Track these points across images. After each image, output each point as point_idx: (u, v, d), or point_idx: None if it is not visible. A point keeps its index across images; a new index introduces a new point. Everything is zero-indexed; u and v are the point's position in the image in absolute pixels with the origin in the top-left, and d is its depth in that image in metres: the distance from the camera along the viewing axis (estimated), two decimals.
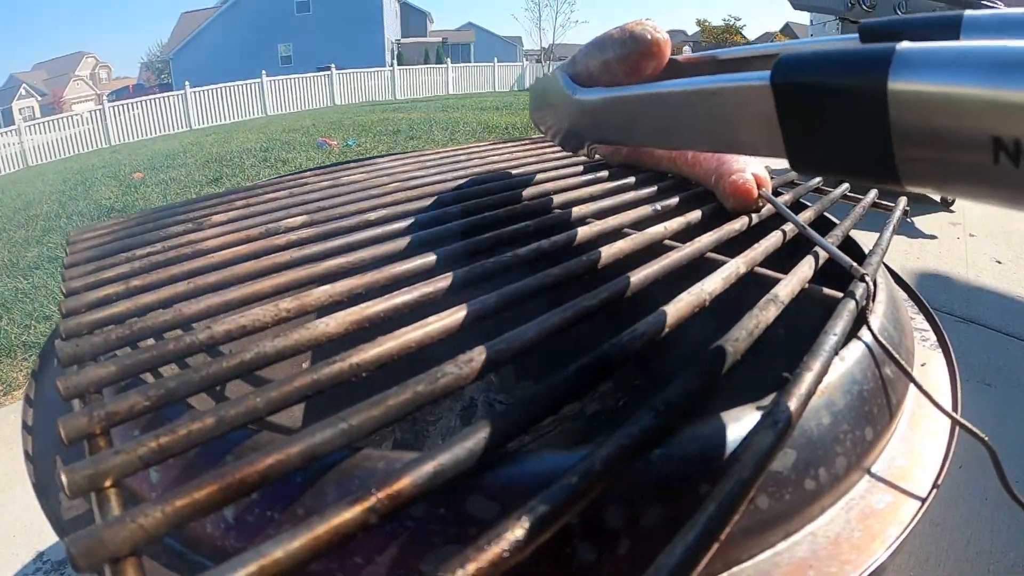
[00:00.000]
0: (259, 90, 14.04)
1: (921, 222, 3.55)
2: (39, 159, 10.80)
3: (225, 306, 0.50)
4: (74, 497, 0.30)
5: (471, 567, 0.21)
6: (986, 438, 0.49)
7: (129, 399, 0.35)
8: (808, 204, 0.88)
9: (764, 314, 0.42)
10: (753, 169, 0.71)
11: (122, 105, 12.50)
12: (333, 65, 15.72)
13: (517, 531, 0.23)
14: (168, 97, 13.19)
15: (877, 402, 0.48)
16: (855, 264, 0.52)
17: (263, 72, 14.24)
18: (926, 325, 0.70)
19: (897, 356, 0.47)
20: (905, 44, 0.24)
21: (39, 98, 34.61)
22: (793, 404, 0.34)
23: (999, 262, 2.98)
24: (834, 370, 0.45)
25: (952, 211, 3.77)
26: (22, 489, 1.71)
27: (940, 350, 0.64)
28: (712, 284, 0.46)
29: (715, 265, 0.55)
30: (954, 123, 0.22)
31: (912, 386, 0.53)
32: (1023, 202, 0.22)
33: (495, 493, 0.31)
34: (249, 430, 0.36)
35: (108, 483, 0.30)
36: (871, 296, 0.52)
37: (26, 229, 4.56)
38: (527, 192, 0.75)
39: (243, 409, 0.32)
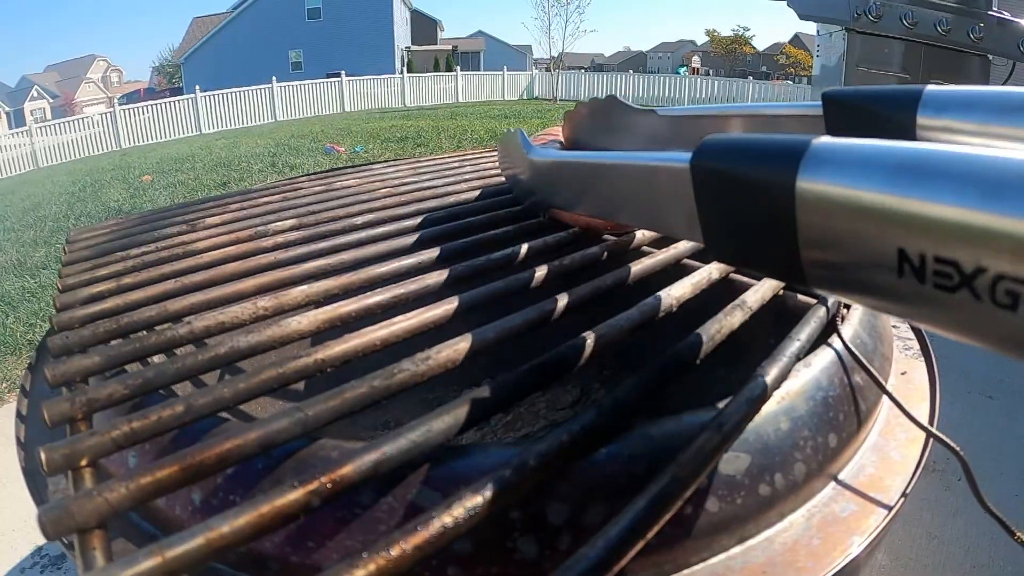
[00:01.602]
0: (269, 96, 14.13)
1: None
2: (50, 160, 10.90)
3: (208, 304, 0.52)
4: (52, 474, 0.32)
5: (396, 549, 0.22)
6: (959, 450, 0.49)
7: (109, 387, 0.37)
8: None
9: (728, 320, 0.43)
10: None
11: (133, 108, 12.60)
12: (343, 72, 15.82)
13: (446, 518, 0.24)
14: (179, 101, 13.29)
15: (844, 409, 0.48)
16: None
17: (273, 78, 14.33)
18: (910, 334, 0.70)
19: (868, 364, 0.48)
20: (822, 139, 0.23)
21: (51, 100, 34.94)
22: (742, 408, 0.35)
23: None
24: (798, 377, 0.46)
25: None
26: (21, 484, 1.73)
27: (923, 359, 0.64)
28: (680, 290, 0.48)
29: (690, 271, 0.56)
30: (859, 230, 0.21)
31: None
32: (927, 320, 0.21)
33: (438, 484, 0.33)
34: (218, 418, 0.37)
35: (84, 462, 0.32)
36: (843, 303, 0.53)
37: (35, 230, 4.60)
38: (507, 199, 0.77)
39: (211, 399, 0.34)
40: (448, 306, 0.44)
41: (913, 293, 0.20)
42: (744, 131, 0.51)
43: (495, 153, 1.18)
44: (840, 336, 0.50)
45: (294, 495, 0.25)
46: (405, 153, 7.02)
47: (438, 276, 0.51)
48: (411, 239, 0.63)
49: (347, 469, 0.26)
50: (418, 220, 0.69)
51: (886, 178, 0.20)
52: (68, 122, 12.16)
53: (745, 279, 0.56)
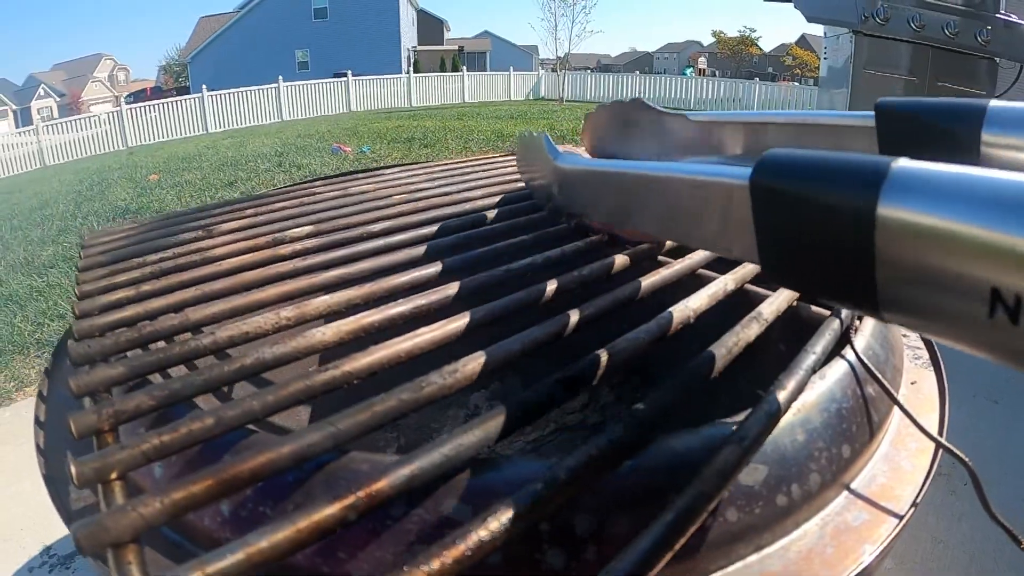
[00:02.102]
0: (276, 95, 14.17)
1: None
2: (56, 159, 10.94)
3: (230, 312, 0.52)
4: (82, 487, 0.32)
5: (436, 563, 0.23)
6: (968, 461, 0.50)
7: (136, 399, 0.37)
8: None
9: (746, 332, 0.44)
10: None
11: (139, 107, 12.65)
12: (349, 71, 15.85)
13: (482, 532, 0.25)
14: (185, 100, 13.34)
15: (857, 420, 0.49)
16: None
17: (280, 77, 14.38)
18: (920, 343, 0.71)
19: (880, 376, 0.48)
20: (903, 162, 0.21)
21: (57, 98, 35.07)
22: (762, 421, 0.35)
23: None
24: (813, 388, 0.46)
25: None
26: (31, 483, 1.74)
27: (932, 368, 0.65)
28: (698, 301, 0.48)
29: (705, 282, 0.57)
30: (947, 264, 0.19)
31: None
32: (1017, 362, 0.19)
33: (469, 496, 0.33)
34: (247, 430, 0.38)
35: (114, 475, 0.32)
36: (857, 315, 0.54)
37: (42, 228, 4.63)
38: (525, 205, 0.77)
39: (240, 411, 0.35)
40: (470, 317, 0.45)
41: (1004, 334, 0.18)
42: (783, 141, 0.50)
43: (508, 158, 1.18)
44: (853, 348, 0.50)
45: (331, 510, 0.25)
46: (412, 153, 7.03)
47: (459, 286, 0.51)
48: (430, 247, 0.63)
49: (382, 483, 0.27)
50: (436, 228, 0.69)
51: (980, 210, 0.18)
52: (75, 121, 12.22)
53: (760, 290, 0.57)
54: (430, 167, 1.09)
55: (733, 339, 0.43)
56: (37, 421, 0.65)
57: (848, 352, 0.49)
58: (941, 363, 0.65)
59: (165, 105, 12.95)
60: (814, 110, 0.53)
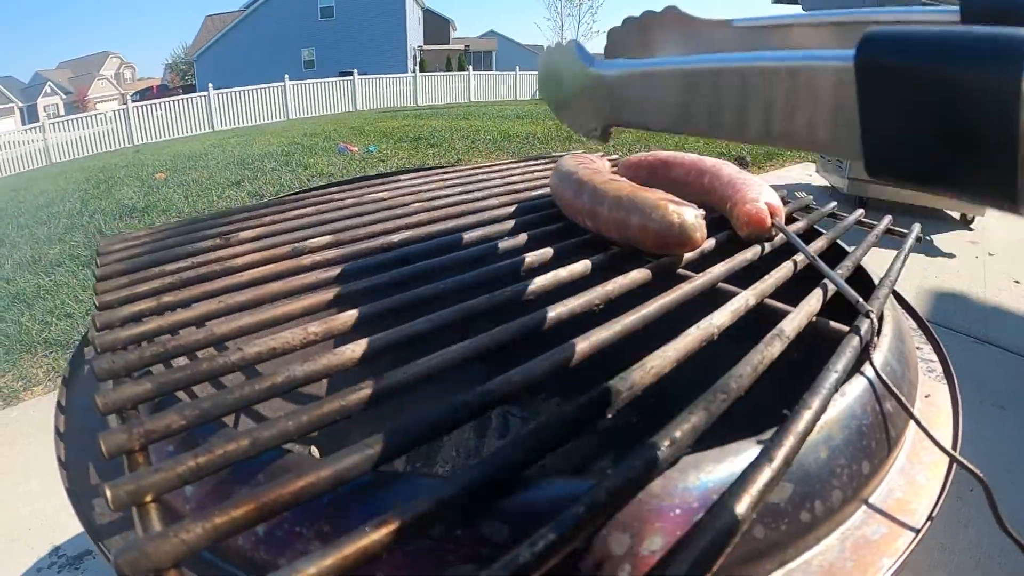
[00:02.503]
0: (282, 94, 14.20)
1: (940, 240, 3.53)
2: (62, 156, 10.98)
3: (256, 326, 0.52)
4: (117, 510, 0.33)
5: None
6: (982, 476, 0.50)
7: (166, 418, 0.37)
8: (822, 231, 0.90)
9: (769, 350, 0.44)
10: (767, 198, 0.72)
11: (146, 105, 12.68)
12: (355, 71, 15.87)
13: (526, 554, 0.25)
14: (191, 99, 13.38)
15: (876, 437, 0.49)
16: (861, 300, 0.54)
17: (286, 76, 14.41)
18: (933, 356, 0.71)
19: (898, 392, 0.49)
20: None
21: (63, 96, 35.19)
22: (790, 442, 0.36)
23: (1017, 282, 2.97)
24: (834, 406, 0.47)
25: (972, 229, 3.76)
26: (39, 483, 1.76)
27: (945, 381, 0.65)
28: (721, 318, 0.48)
29: (726, 296, 0.57)
30: None
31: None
32: None
33: (507, 517, 0.33)
34: (280, 450, 0.38)
35: (149, 498, 0.32)
36: (875, 331, 0.54)
37: (48, 226, 4.64)
38: (540, 216, 0.78)
39: (276, 432, 0.35)
40: (497, 335, 0.45)
41: None
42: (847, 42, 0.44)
43: (519, 164, 1.18)
44: (873, 365, 0.51)
45: (376, 535, 0.26)
46: (418, 153, 7.04)
47: (482, 302, 0.51)
48: (450, 259, 0.63)
49: (423, 505, 0.27)
50: (455, 238, 0.70)
51: None
52: (81, 118, 12.24)
53: (779, 305, 0.57)
54: (444, 173, 1.09)
55: (758, 356, 0.43)
56: (57, 432, 0.66)
57: (867, 369, 0.50)
58: (954, 376, 0.65)
59: (171, 103, 12.98)
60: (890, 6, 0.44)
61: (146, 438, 0.37)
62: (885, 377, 0.49)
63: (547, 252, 0.64)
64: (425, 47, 28.74)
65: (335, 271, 0.62)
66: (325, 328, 0.50)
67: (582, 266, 0.60)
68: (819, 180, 4.82)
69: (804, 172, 5.45)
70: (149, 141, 12.03)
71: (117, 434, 0.37)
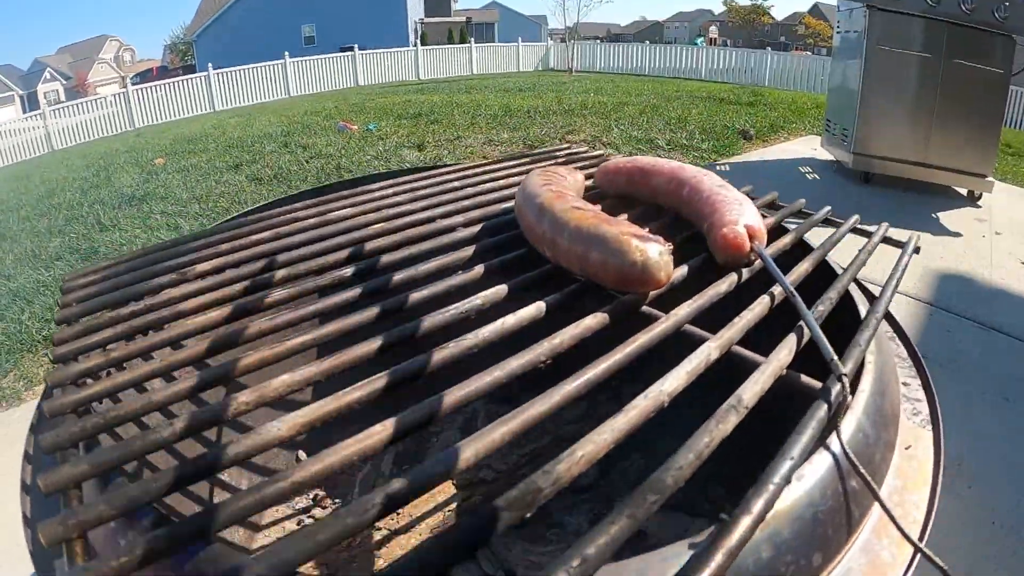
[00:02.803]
0: (282, 71, 14.05)
1: (946, 218, 3.46)
2: (64, 143, 10.94)
3: (191, 391, 0.51)
4: None
5: None
6: (946, 568, 0.46)
7: (97, 508, 0.38)
8: (811, 246, 0.84)
9: (720, 428, 0.41)
10: (747, 219, 0.67)
11: (146, 88, 12.57)
12: (356, 46, 15.66)
13: None
14: (191, 79, 13.25)
15: (834, 523, 0.45)
16: (835, 358, 0.49)
17: (286, 53, 14.23)
18: (921, 394, 0.66)
19: (864, 472, 0.44)
20: None
21: (63, 82, 35.11)
22: (718, 559, 0.32)
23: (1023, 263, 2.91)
24: (789, 493, 0.43)
25: (979, 206, 3.68)
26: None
27: (930, 427, 0.61)
28: (674, 383, 0.45)
29: (691, 342, 0.53)
30: None
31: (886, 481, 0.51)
32: None
33: None
34: (204, 543, 0.37)
35: None
36: (848, 392, 0.48)
37: (49, 218, 4.63)
38: (503, 238, 0.75)
39: (192, 529, 0.35)
40: (421, 411, 0.42)
41: None
42: None
43: (498, 168, 1.14)
44: (839, 437, 0.46)
45: None
46: (418, 130, 6.96)
47: (416, 363, 0.49)
48: (400, 300, 0.60)
49: None
50: (407, 276, 0.66)
51: None
52: (81, 103, 12.17)
53: (746, 354, 0.53)
54: (415, 181, 1.05)
55: (704, 440, 0.39)
56: (24, 486, 0.64)
57: (833, 442, 0.46)
58: (940, 420, 0.61)
59: (171, 85, 12.87)
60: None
61: (80, 528, 0.38)
62: (852, 454, 0.45)
63: (501, 291, 0.61)
64: (426, 20, 28.33)
65: (281, 317, 0.59)
66: (257, 396, 0.49)
67: (534, 310, 0.56)
68: (824, 154, 4.72)
69: (809, 146, 5.34)
70: (150, 123, 11.96)
71: (54, 525, 0.37)
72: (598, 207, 0.89)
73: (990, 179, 3.65)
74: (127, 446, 0.44)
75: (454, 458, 0.37)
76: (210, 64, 13.55)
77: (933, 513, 0.50)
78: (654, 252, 0.56)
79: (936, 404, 0.63)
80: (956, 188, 3.87)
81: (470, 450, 0.38)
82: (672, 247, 0.59)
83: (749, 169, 4.81)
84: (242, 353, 0.54)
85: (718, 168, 4.76)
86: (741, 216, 0.68)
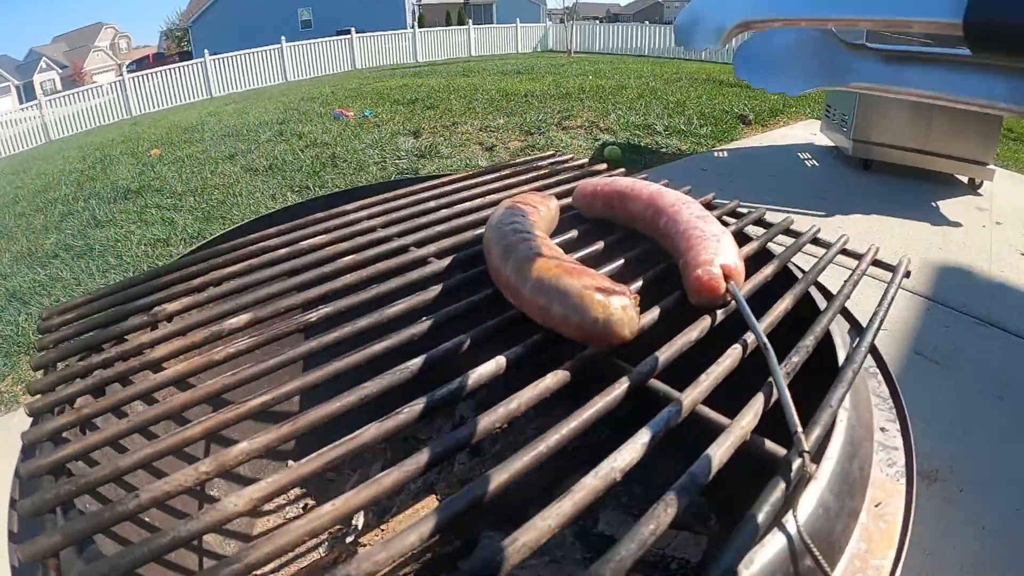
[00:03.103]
0: (279, 56, 13.94)
1: (945, 207, 3.43)
2: (61, 132, 10.88)
3: (155, 455, 0.52)
4: None
5: None
6: None
7: None
8: (796, 274, 0.82)
9: (669, 512, 0.40)
10: (723, 259, 0.65)
11: (142, 75, 12.48)
12: (353, 29, 15.52)
13: None
14: (188, 66, 13.15)
15: None
16: (799, 430, 0.48)
17: (283, 38, 14.10)
18: (898, 440, 0.64)
19: (819, 557, 0.42)
20: None
21: (59, 71, 34.90)
22: None
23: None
24: None
25: (980, 195, 3.64)
26: None
27: (904, 480, 0.59)
28: (627, 457, 0.44)
29: (656, 402, 0.52)
30: None
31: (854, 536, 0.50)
32: None
33: None
34: None
35: None
36: (808, 470, 0.47)
37: (45, 214, 4.62)
38: (473, 274, 0.74)
39: None
40: (390, 478, 0.42)
41: None
42: None
43: (480, 183, 1.12)
44: (795, 517, 0.45)
45: None
46: (415, 116, 6.91)
47: (389, 423, 0.48)
48: (363, 356, 0.60)
49: None
50: (375, 319, 0.66)
51: None
52: (77, 92, 12.10)
53: (711, 416, 0.52)
54: (393, 202, 1.04)
55: (650, 527, 0.38)
56: (11, 535, 0.65)
57: (790, 521, 0.45)
58: (915, 473, 0.59)
59: (168, 72, 12.78)
60: None
61: None
62: (807, 537, 0.43)
63: (463, 342, 0.60)
64: (424, 1, 28.03)
65: (243, 372, 0.59)
66: (217, 465, 0.49)
67: (493, 366, 0.56)
68: (823, 140, 4.68)
69: (808, 131, 5.29)
70: (146, 111, 11.90)
71: None
72: (573, 233, 0.88)
73: (991, 167, 3.60)
74: (97, 517, 0.46)
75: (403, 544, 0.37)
76: (206, 50, 13.46)
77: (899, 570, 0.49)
78: (616, 307, 0.55)
79: (912, 456, 0.61)
80: (957, 176, 3.83)
81: (414, 535, 0.38)
82: (638, 299, 0.58)
83: (747, 155, 4.76)
84: (201, 415, 0.54)
85: (716, 155, 4.72)
86: (717, 256, 0.66)
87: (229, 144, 6.33)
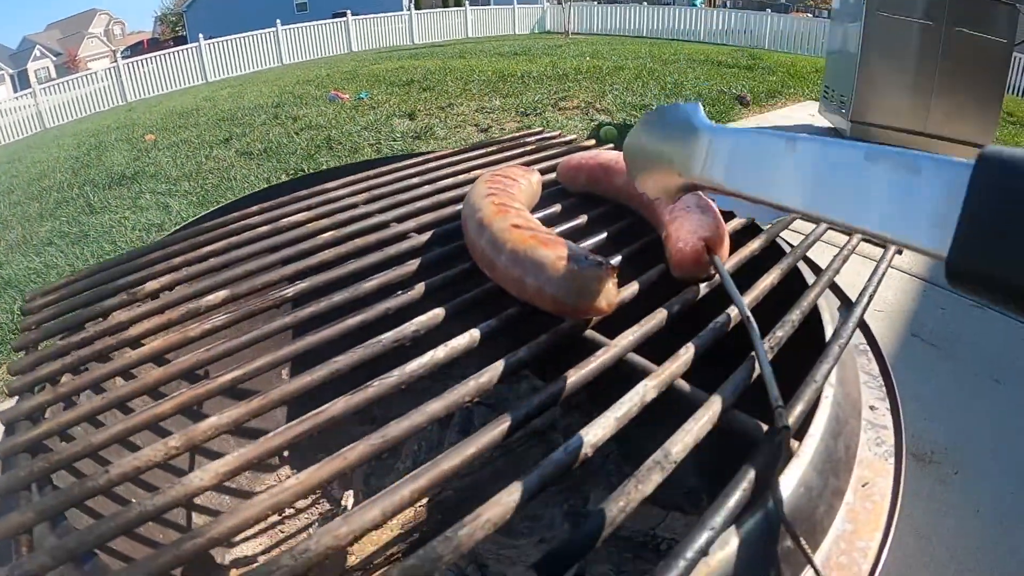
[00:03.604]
0: (274, 40, 13.82)
1: None
2: (56, 120, 10.81)
3: (125, 433, 0.52)
4: None
5: None
6: None
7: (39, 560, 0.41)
8: (784, 248, 0.79)
9: (640, 488, 0.39)
10: (706, 231, 0.64)
11: (137, 61, 12.38)
12: (349, 11, 15.37)
13: None
14: (183, 51, 13.03)
15: None
16: (781, 405, 0.46)
17: (278, 21, 13.97)
18: (888, 419, 0.63)
19: (801, 540, 0.41)
20: None
21: (54, 58, 34.64)
22: None
23: None
24: (710, 561, 0.39)
25: None
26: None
27: (892, 460, 0.57)
28: (599, 432, 0.43)
29: (631, 376, 0.51)
30: None
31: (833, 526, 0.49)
32: None
33: None
34: None
35: None
36: (788, 448, 0.46)
37: (40, 202, 4.60)
38: (453, 248, 0.74)
39: None
40: (357, 450, 0.42)
41: None
42: None
43: (465, 159, 1.11)
44: (775, 497, 0.44)
45: None
46: (411, 98, 6.87)
47: (359, 395, 0.48)
48: (338, 330, 0.59)
49: None
50: (349, 297, 0.65)
51: None
52: (72, 80, 12.00)
53: (687, 389, 0.51)
54: (377, 179, 1.03)
55: (620, 503, 0.38)
56: None
57: (768, 501, 0.43)
58: (904, 454, 0.58)
59: (162, 57, 12.67)
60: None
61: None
62: (787, 517, 0.42)
63: (437, 315, 0.59)
64: None
65: (218, 347, 0.59)
66: (186, 440, 0.49)
67: (467, 339, 0.55)
68: (821, 121, 4.65)
69: (807, 112, 5.25)
70: (142, 97, 11.81)
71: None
72: (557, 207, 0.87)
73: None
74: (67, 493, 0.46)
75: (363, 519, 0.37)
76: (201, 35, 13.34)
77: (881, 563, 0.48)
78: (592, 279, 0.53)
79: (902, 434, 0.60)
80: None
81: (376, 510, 0.37)
82: (617, 270, 0.56)
83: None
84: (176, 391, 0.53)
85: None
86: (700, 228, 0.64)
87: (224, 128, 6.30)
